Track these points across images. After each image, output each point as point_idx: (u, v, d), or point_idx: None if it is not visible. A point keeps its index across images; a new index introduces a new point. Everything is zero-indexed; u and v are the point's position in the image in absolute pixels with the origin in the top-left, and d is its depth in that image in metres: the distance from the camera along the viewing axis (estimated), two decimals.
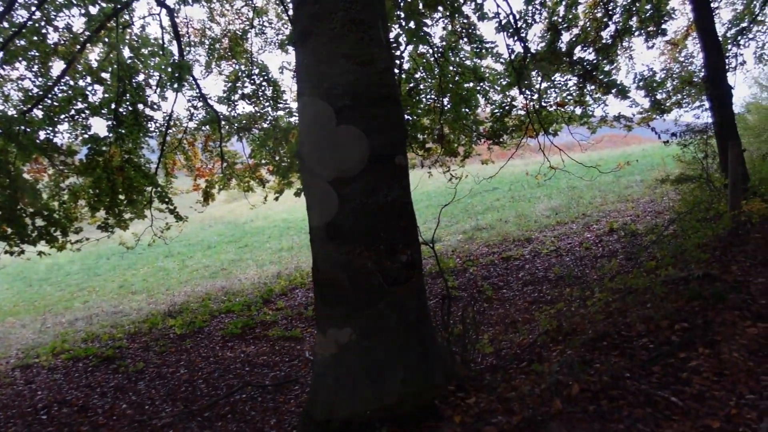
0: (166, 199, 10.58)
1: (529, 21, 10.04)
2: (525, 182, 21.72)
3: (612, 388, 3.70)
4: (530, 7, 9.95)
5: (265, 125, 11.58)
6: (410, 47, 10.22)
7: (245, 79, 11.52)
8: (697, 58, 12.68)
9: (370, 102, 3.74)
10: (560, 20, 10.30)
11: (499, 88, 11.42)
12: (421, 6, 8.55)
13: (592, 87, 11.19)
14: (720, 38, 12.09)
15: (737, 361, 4.05)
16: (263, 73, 11.41)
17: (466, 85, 10.96)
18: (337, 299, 3.76)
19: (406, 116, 10.92)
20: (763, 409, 3.44)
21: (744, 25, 12.47)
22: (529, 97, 10.65)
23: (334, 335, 3.79)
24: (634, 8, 10.37)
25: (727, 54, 12.35)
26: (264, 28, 12.24)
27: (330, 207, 3.75)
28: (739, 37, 12.48)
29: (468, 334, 5.41)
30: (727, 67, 11.98)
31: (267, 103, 11.47)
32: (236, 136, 11.86)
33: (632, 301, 5.56)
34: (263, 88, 11.40)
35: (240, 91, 11.45)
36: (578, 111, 11.68)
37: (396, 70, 10.53)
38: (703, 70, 10.45)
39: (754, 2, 12.34)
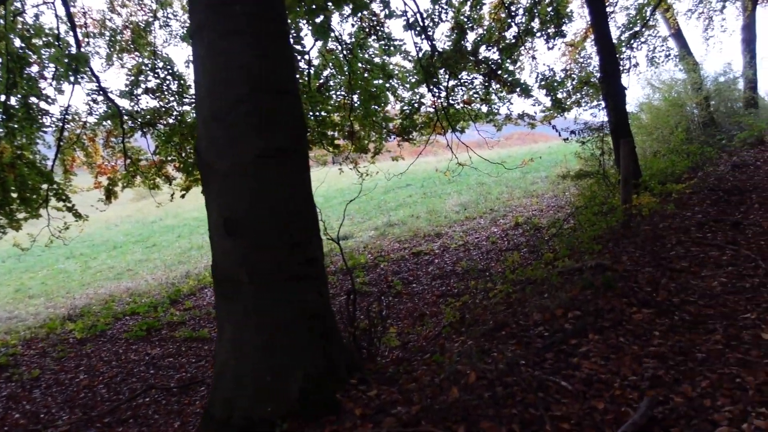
0: (63, 197, 10.08)
1: (436, 20, 10.22)
2: (436, 178, 22.12)
3: (507, 375, 3.84)
4: (436, 7, 10.12)
5: (171, 120, 11.21)
6: (319, 43, 10.21)
7: (149, 72, 11.11)
8: (595, 59, 13.28)
9: (268, 96, 3.70)
10: (466, 20, 10.55)
11: (408, 86, 11.58)
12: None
13: (497, 86, 11.54)
14: (615, 41, 12.76)
15: (623, 346, 4.29)
16: (168, 67, 11.04)
17: (375, 82, 11.05)
18: (237, 295, 3.70)
19: (317, 113, 10.89)
20: (644, 389, 3.67)
21: (637, 29, 13.19)
22: (437, 94, 10.85)
23: (233, 332, 3.74)
24: (535, 10, 10.75)
25: (622, 56, 13.02)
26: (168, 20, 11.87)
27: (228, 202, 3.69)
28: (632, 41, 13.19)
29: (374, 329, 5.47)
30: (621, 68, 12.64)
31: (172, 98, 11.11)
32: (140, 132, 11.42)
33: (531, 291, 5.78)
34: (168, 82, 11.03)
35: (143, 85, 11.04)
36: (484, 109, 12.00)
37: (305, 66, 10.51)
38: (599, 71, 10.96)
39: (646, 8, 13.08)
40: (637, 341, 4.38)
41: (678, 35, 18.40)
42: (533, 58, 12.43)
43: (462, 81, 11.41)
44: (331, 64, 10.92)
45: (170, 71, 11.03)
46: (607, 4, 14.43)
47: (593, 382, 3.78)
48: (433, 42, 10.27)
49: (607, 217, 8.30)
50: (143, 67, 11.21)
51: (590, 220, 8.44)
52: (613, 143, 10.49)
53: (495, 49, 11.12)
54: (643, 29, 13.29)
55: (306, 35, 9.21)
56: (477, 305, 6.32)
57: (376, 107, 11.26)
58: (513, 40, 10.98)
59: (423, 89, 11.33)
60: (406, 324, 7.50)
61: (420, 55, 10.29)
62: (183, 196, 11.80)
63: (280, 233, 3.69)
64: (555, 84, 11.13)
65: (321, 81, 11.14)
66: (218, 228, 3.73)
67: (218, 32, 3.68)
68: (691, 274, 5.93)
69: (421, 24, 9.97)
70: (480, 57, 11.04)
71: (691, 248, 6.80)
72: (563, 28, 10.95)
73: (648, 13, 13.11)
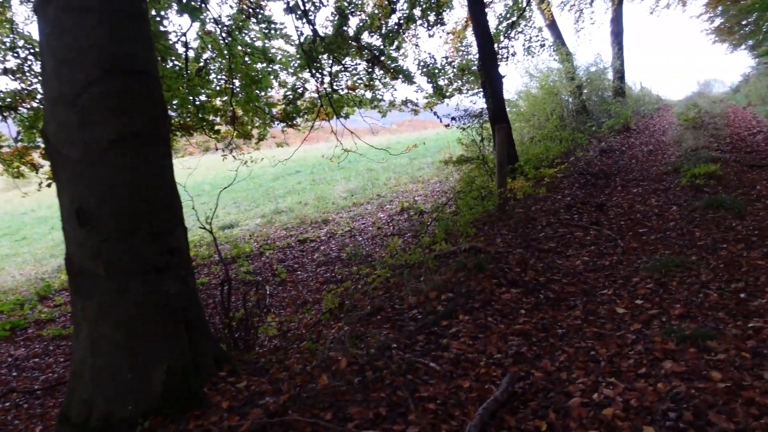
0: None
1: (317, 4, 10.09)
2: (326, 165, 22.01)
3: (378, 359, 3.87)
4: None
5: (35, 104, 10.40)
6: (197, 25, 9.83)
7: (8, 51, 10.23)
8: (475, 48, 13.64)
9: (123, 78, 3.47)
10: (347, 5, 10.50)
11: (290, 71, 11.40)
12: None
13: (381, 72, 11.62)
14: (494, 30, 13.17)
15: (491, 325, 4.45)
16: (29, 46, 10.21)
17: (257, 66, 10.79)
18: (93, 290, 3.47)
19: (196, 98, 10.50)
20: (508, 365, 3.82)
21: (514, 19, 13.66)
22: (320, 80, 10.75)
23: (90, 328, 3.52)
24: None
25: (500, 45, 13.46)
26: None
27: (80, 190, 3.45)
28: (509, 31, 13.66)
29: (252, 318, 5.37)
30: (500, 57, 13.08)
31: (35, 80, 10.30)
32: (0, 116, 10.51)
33: (408, 275, 5.87)
34: (30, 62, 10.21)
35: (2, 66, 10.15)
36: (369, 95, 12.06)
37: (183, 48, 10.07)
38: (478, 59, 11.27)
39: None
40: (504, 320, 4.56)
41: (552, 26, 19.30)
42: (416, 45, 12.62)
43: (345, 67, 11.38)
44: (210, 46, 10.53)
45: (32, 50, 10.21)
46: None
47: (461, 361, 3.89)
48: (315, 26, 10.14)
49: (485, 202, 8.59)
50: (1, 46, 10.31)
51: (469, 204, 8.70)
52: (492, 129, 10.85)
53: (377, 35, 11.17)
54: (520, 20, 13.78)
55: (183, 17, 8.76)
56: (357, 291, 6.35)
57: (259, 92, 11.02)
58: (395, 27, 11.06)
59: (306, 74, 11.19)
60: (289, 312, 7.42)
61: (302, 39, 10.13)
62: (49, 185, 11.01)
63: (138, 223, 3.49)
64: (436, 71, 11.35)
65: (201, 64, 10.73)
66: (71, 218, 3.48)
67: (65, 8, 3.41)
68: (558, 254, 6.26)
69: (302, 8, 9.81)
70: (363, 43, 11.05)
71: (558, 229, 7.17)
72: (443, 16, 11.17)
73: (524, 4, 13.61)
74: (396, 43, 11.65)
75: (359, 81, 11.83)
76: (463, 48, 14.69)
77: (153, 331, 3.54)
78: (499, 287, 5.21)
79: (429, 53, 12.61)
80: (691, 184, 8.55)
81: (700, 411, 2.97)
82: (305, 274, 9.50)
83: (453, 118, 11.02)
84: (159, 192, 3.65)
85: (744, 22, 23.58)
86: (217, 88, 11.16)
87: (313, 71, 10.62)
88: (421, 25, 11.39)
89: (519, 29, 14.04)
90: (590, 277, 5.45)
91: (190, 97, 10.35)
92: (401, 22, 11.00)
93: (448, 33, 14.50)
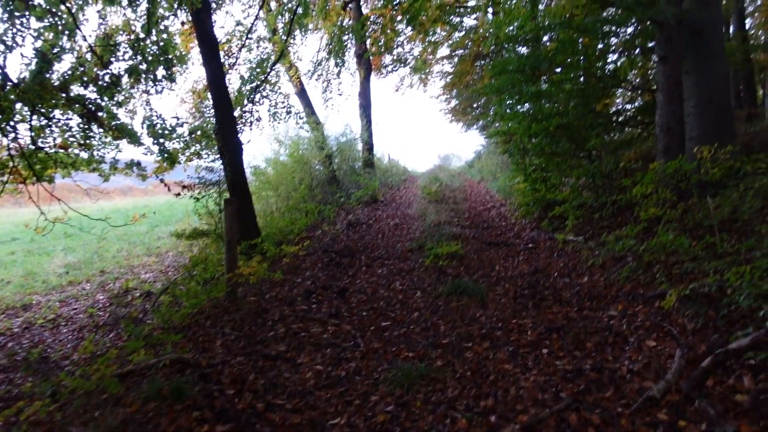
0: None
1: (9, 43, 8.15)
2: (50, 234, 18.83)
3: None
4: (10, 28, 8.09)
5: None
6: None
7: None
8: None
9: None
10: (50, 47, 8.68)
11: None
12: None
13: (101, 130, 9.84)
14: (237, 93, 12.17)
15: None
16: None
17: None
18: None
19: None
20: None
21: (258, 83, 12.80)
22: (10, 134, 8.65)
23: None
24: (138, 47, 9.43)
25: (244, 109, 12.44)
26: None
27: None
28: (253, 94, 12.73)
29: None
30: (243, 121, 12.06)
31: None
32: None
33: (79, 407, 4.26)
34: None
35: None
36: (84, 155, 10.13)
37: None
38: (215, 123, 10.14)
39: (265, 63, 12.81)
40: None
41: (302, 94, 18.97)
42: (147, 102, 11.03)
43: (52, 120, 9.40)
44: None
45: None
46: (228, 54, 13.88)
47: None
48: (5, 70, 8.16)
49: (211, 287, 7.24)
50: None
51: (193, 291, 7.28)
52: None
53: (93, 87, 9.43)
54: (265, 84, 12.95)
55: None
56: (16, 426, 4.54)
57: None
58: (113, 80, 9.43)
59: None
60: None
61: None
62: None
63: None
64: (164, 132, 9.88)
65: None
66: None
67: None
68: (287, 361, 5.13)
69: None
70: (74, 94, 9.23)
71: (292, 325, 6.09)
72: (173, 73, 9.85)
73: (268, 68, 12.84)
74: (120, 98, 9.99)
75: (72, 139, 9.88)
76: (205, 108, 13.41)
77: None
78: (201, 425, 3.87)
79: (157, 112, 10.86)
80: (435, 265, 8.16)
81: None
82: None
83: (184, 186, 9.62)
84: None
85: (475, 105, 25.85)
86: None
87: (3, 124, 8.53)
88: (146, 80, 9.88)
89: (264, 94, 13.18)
90: (322, 397, 4.37)
91: None
92: (121, 74, 9.41)
93: (187, 92, 13.15)
